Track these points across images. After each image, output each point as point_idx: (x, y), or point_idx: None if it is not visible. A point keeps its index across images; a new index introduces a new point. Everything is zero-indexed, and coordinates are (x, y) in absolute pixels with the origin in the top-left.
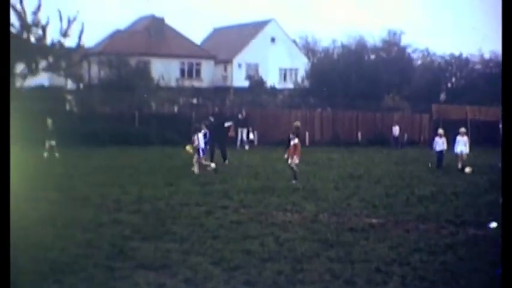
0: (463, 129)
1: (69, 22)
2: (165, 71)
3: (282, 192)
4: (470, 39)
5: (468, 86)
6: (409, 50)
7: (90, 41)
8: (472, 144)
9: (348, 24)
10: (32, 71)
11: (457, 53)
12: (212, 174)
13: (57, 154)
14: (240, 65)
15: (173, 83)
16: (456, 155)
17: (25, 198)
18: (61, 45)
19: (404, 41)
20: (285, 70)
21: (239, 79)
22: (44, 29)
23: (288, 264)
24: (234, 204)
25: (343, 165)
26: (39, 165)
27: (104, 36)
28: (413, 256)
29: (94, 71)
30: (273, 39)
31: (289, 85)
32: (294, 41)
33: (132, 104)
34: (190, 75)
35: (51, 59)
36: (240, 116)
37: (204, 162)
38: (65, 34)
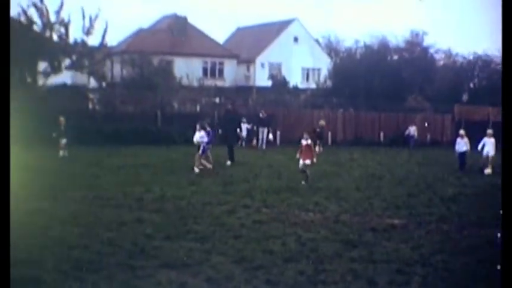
0: (490, 131)
1: (91, 20)
2: (187, 70)
3: (304, 192)
4: (493, 39)
5: (491, 86)
6: (431, 51)
7: (113, 39)
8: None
9: (370, 24)
10: (55, 69)
11: (479, 53)
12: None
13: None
14: (262, 65)
15: (196, 82)
16: (482, 156)
17: (47, 197)
18: (84, 43)
19: (427, 42)
20: (308, 70)
21: (262, 79)
22: (66, 27)
23: (310, 264)
24: (256, 204)
25: (365, 166)
26: (59, 164)
27: (127, 35)
28: (435, 257)
29: (117, 70)
30: (296, 39)
31: (312, 85)
32: (317, 41)
33: (154, 103)
34: (213, 74)
35: (74, 58)
36: (261, 115)
37: (202, 161)
38: (87, 32)
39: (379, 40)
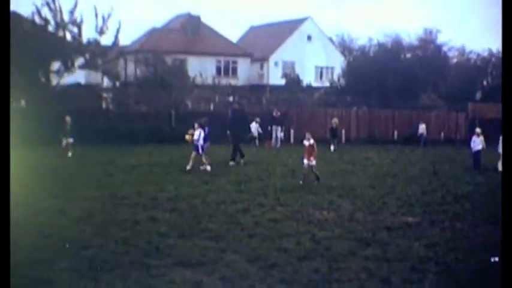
0: None
1: (104, 20)
2: (201, 69)
3: (318, 191)
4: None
5: None
6: (445, 48)
7: (126, 39)
8: None
9: (384, 22)
10: (68, 68)
11: (493, 51)
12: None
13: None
14: (276, 63)
15: (209, 81)
16: (497, 154)
17: (61, 197)
18: (97, 43)
19: (440, 39)
20: (321, 68)
21: (275, 77)
22: (79, 26)
23: (324, 262)
24: (270, 202)
25: (379, 164)
26: (73, 163)
27: (140, 35)
28: (449, 255)
29: (130, 69)
30: (309, 37)
31: (326, 83)
32: (330, 39)
33: (168, 102)
34: (226, 73)
35: (87, 57)
36: (274, 114)
37: (203, 160)
38: (100, 32)
39: (392, 38)
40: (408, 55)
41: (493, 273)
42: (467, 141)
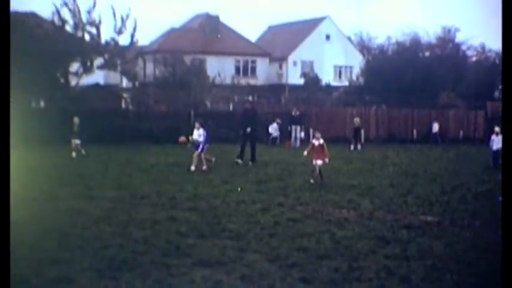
0: None
1: (123, 20)
2: (220, 69)
3: (338, 190)
4: None
5: None
6: (463, 47)
7: (145, 39)
8: None
9: (402, 21)
10: (87, 69)
11: None
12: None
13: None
14: (295, 63)
15: (228, 81)
16: None
17: (81, 197)
18: (116, 43)
19: (459, 38)
20: (340, 67)
21: (294, 77)
22: (98, 27)
23: (344, 261)
24: (290, 202)
25: (398, 163)
26: (93, 163)
27: (159, 35)
28: (469, 254)
29: (149, 69)
30: (327, 37)
31: (344, 82)
32: (349, 38)
33: (187, 102)
34: (245, 73)
35: (106, 57)
36: (293, 113)
37: (207, 157)
38: (119, 32)
39: (411, 37)
40: (427, 54)
41: None
42: (486, 140)
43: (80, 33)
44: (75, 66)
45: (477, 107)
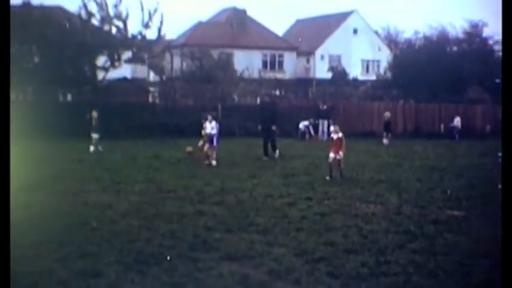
0: None
1: (150, 14)
2: (247, 62)
3: (365, 184)
4: None
5: None
6: (490, 42)
7: (172, 33)
8: None
9: (429, 15)
10: (114, 63)
11: None
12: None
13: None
14: (322, 57)
15: (255, 75)
16: None
17: (108, 191)
18: (143, 37)
19: (486, 33)
20: (368, 61)
21: (322, 71)
22: (124, 21)
23: (372, 256)
24: (317, 196)
25: (425, 157)
26: (120, 157)
27: (186, 28)
28: (496, 249)
29: (176, 63)
30: (355, 31)
31: (372, 77)
32: (376, 32)
33: (214, 96)
34: (272, 67)
35: (133, 51)
36: (320, 107)
37: (209, 153)
38: (146, 26)
39: (438, 31)
40: (454, 48)
41: None
42: None
43: (107, 27)
44: (102, 60)
45: None
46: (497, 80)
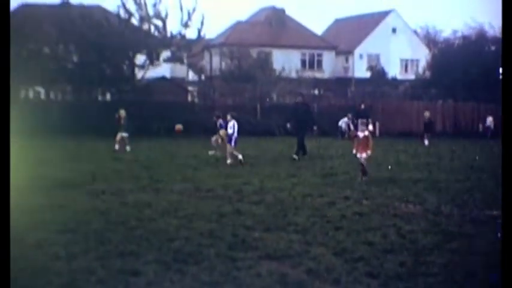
0: None
1: (189, 13)
2: (286, 62)
3: (404, 184)
4: None
5: None
6: None
7: (211, 32)
8: None
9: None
10: (153, 62)
11: None
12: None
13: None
14: (361, 56)
15: (294, 74)
16: None
17: (147, 190)
18: (182, 36)
19: None
20: (406, 61)
21: (360, 70)
22: (164, 20)
23: (410, 256)
24: (356, 195)
25: (464, 157)
26: (159, 155)
27: (225, 28)
28: None
29: (215, 63)
30: (394, 30)
31: (411, 76)
32: (415, 32)
33: (253, 95)
34: (311, 66)
35: (172, 50)
36: (359, 106)
37: (234, 152)
38: (185, 25)
39: (476, 31)
40: (492, 48)
41: None
42: None
43: (146, 26)
44: (141, 59)
45: None
46: None
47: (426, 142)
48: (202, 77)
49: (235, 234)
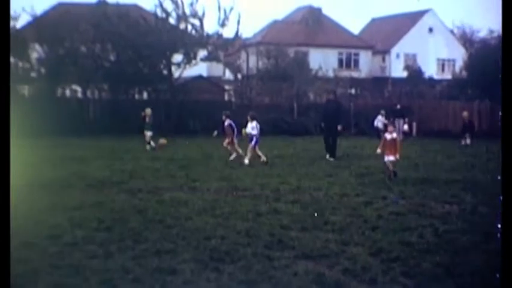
0: None
1: (226, 12)
2: (323, 61)
3: (441, 184)
4: None
5: None
6: None
7: (248, 31)
8: None
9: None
10: (190, 61)
11: None
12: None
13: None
14: (398, 55)
15: (330, 73)
16: None
17: (183, 188)
18: (219, 35)
19: None
20: (443, 61)
21: (397, 69)
22: (201, 19)
23: (447, 256)
24: (393, 195)
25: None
26: (196, 154)
27: (262, 27)
28: None
29: (252, 62)
30: (430, 30)
31: (447, 76)
32: (452, 31)
33: (290, 95)
34: (348, 65)
35: (209, 49)
36: (395, 106)
37: (257, 152)
38: (222, 24)
39: None
40: None
41: None
42: None
43: (183, 25)
44: (178, 58)
45: None
46: None
47: (467, 141)
48: (239, 76)
49: (271, 233)
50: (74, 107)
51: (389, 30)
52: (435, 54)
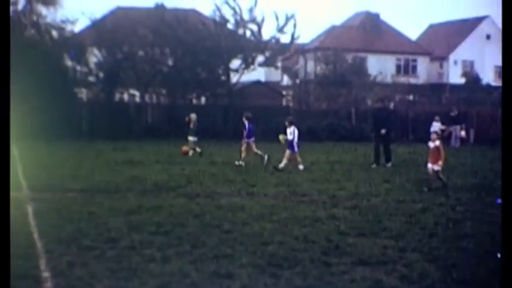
0: None
1: (287, 19)
2: (380, 67)
3: (498, 191)
4: None
5: None
6: None
7: (306, 37)
8: None
9: None
10: (248, 66)
11: None
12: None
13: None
14: (455, 62)
15: (388, 79)
16: None
17: (240, 193)
18: (277, 40)
19: None
20: (500, 68)
21: (455, 76)
22: (259, 25)
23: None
24: (451, 202)
25: None
26: (253, 159)
27: (319, 32)
28: None
29: (310, 67)
30: (488, 36)
31: None
32: None
33: (348, 100)
34: (406, 71)
35: (267, 55)
36: (452, 113)
37: (298, 159)
38: (281, 30)
39: None
40: None
41: None
42: None
43: (241, 31)
44: (236, 63)
45: None
46: None
47: None
48: (297, 81)
49: (329, 239)
50: (132, 112)
51: (447, 36)
52: (492, 62)
